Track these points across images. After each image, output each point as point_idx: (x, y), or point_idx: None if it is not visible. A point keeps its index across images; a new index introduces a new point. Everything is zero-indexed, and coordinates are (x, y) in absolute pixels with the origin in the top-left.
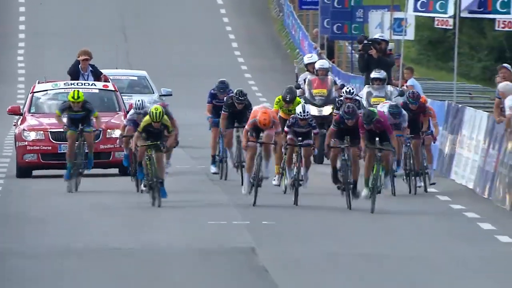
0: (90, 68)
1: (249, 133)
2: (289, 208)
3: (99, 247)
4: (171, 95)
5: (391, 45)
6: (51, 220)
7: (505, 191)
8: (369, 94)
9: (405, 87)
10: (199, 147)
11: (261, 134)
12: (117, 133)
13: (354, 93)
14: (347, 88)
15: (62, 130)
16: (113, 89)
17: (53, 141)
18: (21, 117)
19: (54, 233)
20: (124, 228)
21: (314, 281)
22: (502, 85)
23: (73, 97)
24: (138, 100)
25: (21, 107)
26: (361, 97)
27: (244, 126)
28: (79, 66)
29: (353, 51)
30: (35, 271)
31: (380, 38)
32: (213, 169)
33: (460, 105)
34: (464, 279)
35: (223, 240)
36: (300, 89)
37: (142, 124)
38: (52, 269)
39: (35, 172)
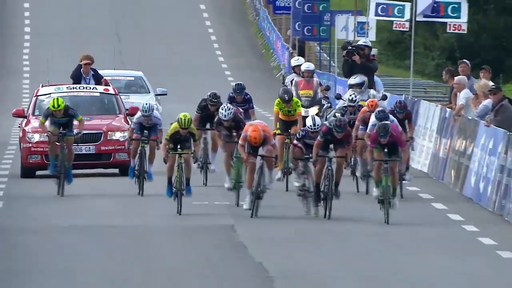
0: (92, 73)
1: (246, 149)
2: (272, 192)
3: (96, 225)
4: (166, 94)
5: (374, 51)
6: (53, 202)
7: (456, 175)
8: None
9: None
10: None
11: (260, 148)
12: (117, 135)
13: (357, 100)
14: (350, 96)
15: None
16: (114, 92)
17: (57, 143)
18: (26, 119)
19: (56, 213)
20: (118, 210)
21: (286, 254)
22: (458, 78)
23: (53, 106)
24: (146, 104)
25: (25, 109)
26: (345, 100)
27: (212, 129)
28: (81, 70)
29: (321, 51)
30: (38, 246)
31: (363, 44)
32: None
33: (415, 99)
34: (420, 254)
35: (205, 219)
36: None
37: (169, 132)
38: (54, 244)
39: (38, 172)
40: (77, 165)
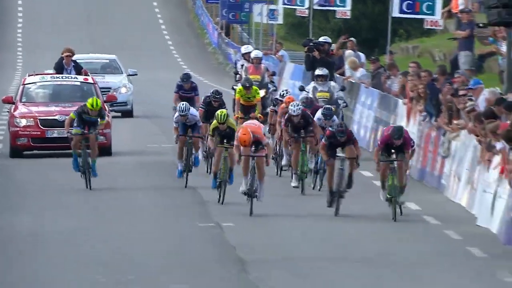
0: (73, 64)
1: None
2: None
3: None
4: (136, 74)
5: (332, 46)
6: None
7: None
8: (314, 89)
9: (278, 55)
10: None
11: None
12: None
13: (285, 95)
14: (281, 91)
15: (51, 117)
16: (92, 82)
17: (42, 127)
18: (14, 105)
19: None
20: (111, 187)
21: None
22: (348, 53)
23: (91, 105)
24: (182, 104)
25: (14, 96)
26: (308, 92)
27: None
28: (63, 62)
29: (242, 31)
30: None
31: (323, 41)
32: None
33: None
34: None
35: (179, 195)
36: (238, 75)
37: (211, 128)
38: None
39: (25, 153)
40: (60, 147)
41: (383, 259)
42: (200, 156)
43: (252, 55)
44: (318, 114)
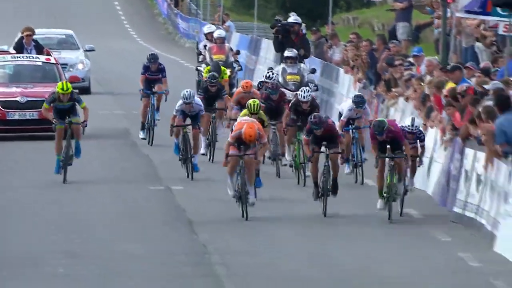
0: (33, 43)
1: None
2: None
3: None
4: (94, 50)
5: (303, 26)
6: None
7: None
8: (284, 71)
9: (225, 25)
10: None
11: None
12: None
13: (273, 78)
14: (266, 73)
15: (12, 99)
16: (55, 62)
17: (2, 109)
18: None
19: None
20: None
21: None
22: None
23: (62, 88)
24: (187, 91)
25: None
26: (277, 74)
27: (218, 108)
28: (23, 41)
29: (191, 2)
30: None
31: (292, 22)
32: (141, 135)
33: (259, 37)
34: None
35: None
36: (201, 55)
37: (239, 119)
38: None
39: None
40: (21, 130)
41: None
42: (203, 150)
43: (215, 34)
44: (349, 104)
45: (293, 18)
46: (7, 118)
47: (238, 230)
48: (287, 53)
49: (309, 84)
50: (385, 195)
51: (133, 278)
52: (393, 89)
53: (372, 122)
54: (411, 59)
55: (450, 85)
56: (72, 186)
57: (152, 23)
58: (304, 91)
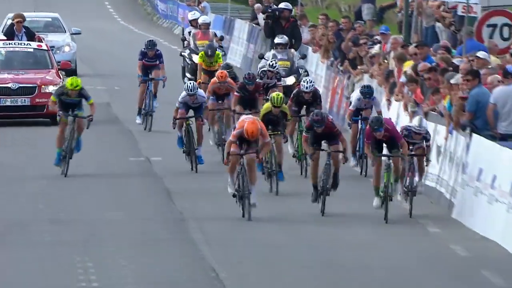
0: (24, 30)
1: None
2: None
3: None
4: (80, 33)
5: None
6: None
7: None
8: (274, 57)
9: (201, 6)
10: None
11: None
12: (50, 88)
13: (276, 67)
14: (270, 62)
15: (3, 85)
16: (46, 48)
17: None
18: None
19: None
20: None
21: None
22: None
23: (71, 84)
24: (190, 83)
25: None
26: (267, 59)
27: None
28: (14, 28)
29: None
30: None
31: (283, 7)
32: (138, 120)
33: (232, 18)
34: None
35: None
36: (186, 41)
37: (262, 112)
38: None
39: None
40: (13, 116)
41: None
42: (211, 142)
43: (200, 21)
44: (356, 94)
45: (283, 4)
46: None
47: (213, 200)
48: (277, 39)
49: (299, 69)
50: (381, 194)
51: (114, 243)
52: (359, 67)
53: (369, 119)
54: (378, 37)
55: (409, 63)
56: (49, 133)
57: (132, 4)
58: (307, 81)
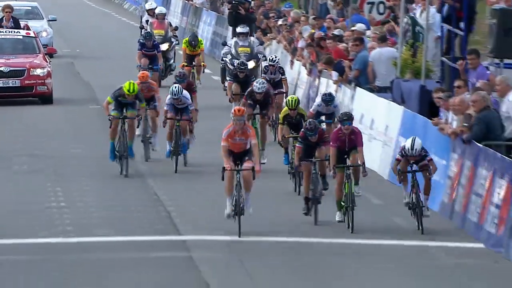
0: (12, 20)
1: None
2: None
3: None
4: (55, 20)
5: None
6: None
7: None
8: (236, 44)
9: None
10: None
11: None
12: (38, 71)
13: (277, 61)
14: (270, 56)
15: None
16: (34, 35)
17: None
18: None
19: None
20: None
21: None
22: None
23: (128, 90)
24: (175, 87)
25: None
26: (230, 46)
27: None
28: (3, 18)
29: None
30: None
31: (244, 0)
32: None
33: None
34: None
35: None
36: (144, 29)
37: (281, 116)
38: None
39: None
40: (5, 96)
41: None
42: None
43: (157, 11)
44: (318, 100)
45: None
46: None
47: (188, 182)
48: (239, 29)
49: (258, 54)
50: (343, 204)
51: (79, 173)
52: (268, 35)
53: (338, 116)
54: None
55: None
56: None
57: None
58: (259, 83)
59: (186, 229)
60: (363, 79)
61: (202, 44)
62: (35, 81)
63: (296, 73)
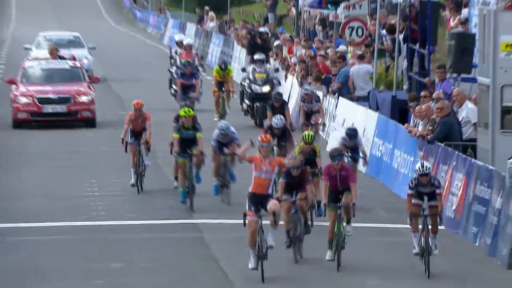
0: (58, 57)
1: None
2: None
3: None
4: (95, 48)
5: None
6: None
7: None
8: (253, 70)
9: (164, 13)
10: None
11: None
12: (83, 98)
13: (314, 90)
14: (303, 88)
15: (46, 96)
16: (79, 66)
17: (38, 104)
18: (16, 85)
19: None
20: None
21: None
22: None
23: (184, 112)
24: (223, 123)
25: (15, 78)
26: (248, 72)
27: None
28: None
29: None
30: None
31: (262, 31)
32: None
33: (185, 22)
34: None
35: None
36: (173, 59)
37: (297, 151)
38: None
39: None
40: (53, 121)
41: None
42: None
43: (185, 43)
44: (342, 134)
45: (262, 29)
46: (42, 111)
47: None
48: (256, 56)
49: (273, 80)
50: (333, 245)
51: (110, 168)
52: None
53: (329, 151)
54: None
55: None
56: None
57: (119, 11)
58: (278, 119)
59: (198, 215)
60: (345, 90)
61: (231, 71)
62: (80, 107)
63: (290, 86)
